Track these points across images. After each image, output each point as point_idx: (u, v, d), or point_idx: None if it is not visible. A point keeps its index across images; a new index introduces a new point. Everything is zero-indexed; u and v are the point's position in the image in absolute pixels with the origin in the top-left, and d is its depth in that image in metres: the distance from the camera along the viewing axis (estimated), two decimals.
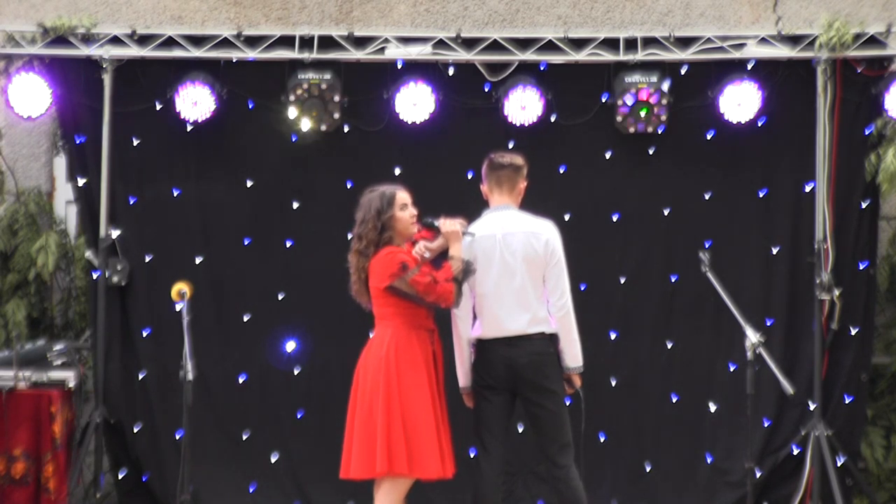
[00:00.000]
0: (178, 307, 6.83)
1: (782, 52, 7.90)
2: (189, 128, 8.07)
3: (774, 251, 8.09)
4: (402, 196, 6.46)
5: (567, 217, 8.10)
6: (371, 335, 6.43)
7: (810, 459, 7.75)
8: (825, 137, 7.86)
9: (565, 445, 6.47)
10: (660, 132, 7.99)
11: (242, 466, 8.08)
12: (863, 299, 8.00)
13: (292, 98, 7.88)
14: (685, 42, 7.95)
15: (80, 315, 8.56)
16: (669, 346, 8.13)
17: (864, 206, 7.98)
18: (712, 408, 8.07)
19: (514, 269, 6.43)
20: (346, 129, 8.09)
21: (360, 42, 8.00)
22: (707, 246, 7.90)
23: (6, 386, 7.56)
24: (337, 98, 7.89)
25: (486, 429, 6.50)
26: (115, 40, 7.98)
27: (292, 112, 7.91)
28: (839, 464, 7.76)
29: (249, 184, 8.16)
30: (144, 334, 8.09)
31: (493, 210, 6.58)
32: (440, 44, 7.97)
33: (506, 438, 6.55)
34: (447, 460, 6.35)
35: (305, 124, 7.91)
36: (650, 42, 7.95)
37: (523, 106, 7.93)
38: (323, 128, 7.97)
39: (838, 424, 7.90)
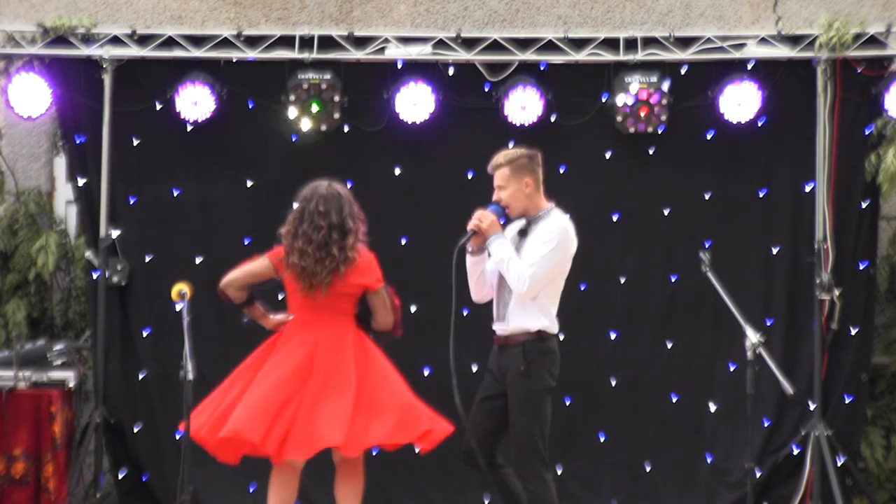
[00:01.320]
0: (178, 307, 6.83)
1: (782, 52, 7.90)
2: (189, 128, 8.07)
3: (774, 251, 8.09)
4: None
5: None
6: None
7: (810, 459, 7.76)
8: (825, 137, 7.86)
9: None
10: (660, 132, 7.99)
11: (242, 466, 8.02)
12: (863, 299, 8.00)
13: (293, 98, 7.89)
14: (685, 42, 7.96)
15: (80, 315, 8.56)
16: (669, 346, 8.14)
17: (864, 206, 7.98)
18: (712, 408, 8.07)
19: None
20: (346, 129, 8.09)
21: (360, 42, 8.00)
22: (707, 246, 7.91)
23: (6, 386, 7.55)
24: (337, 98, 7.90)
25: (546, 437, 6.37)
26: (115, 40, 7.98)
27: (293, 112, 7.91)
28: (839, 464, 7.77)
29: (249, 184, 8.16)
30: (144, 334, 8.10)
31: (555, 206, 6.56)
32: (440, 44, 7.97)
33: None
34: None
35: (305, 124, 7.91)
36: (650, 42, 7.95)
37: (523, 106, 7.93)
38: (323, 128, 7.98)
39: (838, 424, 7.90)
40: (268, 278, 6.50)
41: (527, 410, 6.30)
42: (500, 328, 6.42)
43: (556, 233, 6.32)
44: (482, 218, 6.36)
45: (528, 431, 6.29)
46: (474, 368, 7.97)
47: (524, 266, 6.25)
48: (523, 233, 6.46)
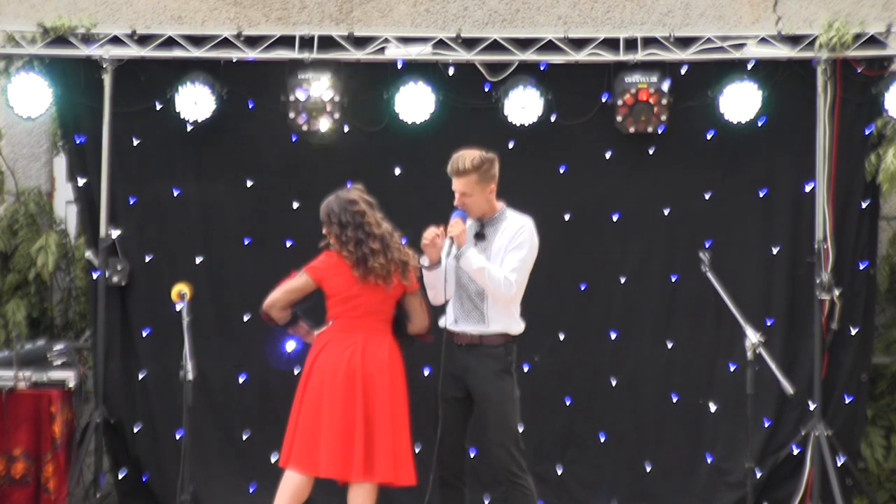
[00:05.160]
0: (178, 307, 6.84)
1: (782, 52, 7.90)
2: (189, 128, 8.07)
3: (774, 251, 8.09)
4: None
5: (567, 217, 8.11)
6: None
7: (810, 459, 7.75)
8: (825, 137, 7.86)
9: None
10: (660, 132, 7.99)
11: (242, 466, 8.08)
12: (863, 299, 8.00)
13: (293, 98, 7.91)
14: (685, 42, 7.95)
15: (80, 315, 8.57)
16: (669, 346, 8.14)
17: (864, 206, 7.98)
18: (712, 408, 8.07)
19: None
20: (346, 129, 8.10)
21: (360, 42, 8.00)
22: (707, 246, 7.90)
23: (6, 386, 7.56)
24: (337, 98, 7.90)
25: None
26: (115, 40, 7.98)
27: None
28: (839, 464, 7.77)
29: (249, 184, 8.17)
30: (144, 334, 8.09)
31: None
32: (440, 44, 7.96)
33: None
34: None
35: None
36: (650, 42, 7.95)
37: (523, 106, 7.93)
38: (323, 128, 7.98)
39: (838, 424, 7.90)
40: (309, 292, 6.52)
41: (508, 411, 6.36)
42: (473, 328, 6.42)
43: (527, 234, 6.42)
44: (452, 227, 6.41)
45: (509, 432, 6.34)
46: None
47: (506, 271, 6.32)
48: (480, 236, 6.48)
